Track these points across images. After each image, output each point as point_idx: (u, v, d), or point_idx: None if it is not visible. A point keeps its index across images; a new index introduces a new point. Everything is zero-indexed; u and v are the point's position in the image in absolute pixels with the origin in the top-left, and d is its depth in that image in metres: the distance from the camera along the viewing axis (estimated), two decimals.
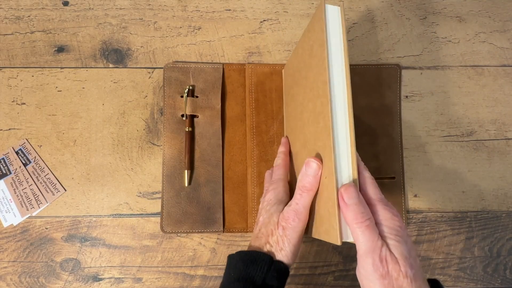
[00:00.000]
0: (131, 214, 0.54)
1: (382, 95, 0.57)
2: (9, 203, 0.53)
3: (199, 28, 0.58)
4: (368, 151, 0.55)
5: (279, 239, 0.39)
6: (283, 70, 0.56)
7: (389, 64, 0.57)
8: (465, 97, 0.58)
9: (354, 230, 0.33)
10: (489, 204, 0.56)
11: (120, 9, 0.58)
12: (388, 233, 0.33)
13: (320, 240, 0.54)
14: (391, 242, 0.33)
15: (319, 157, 0.37)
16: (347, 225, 0.34)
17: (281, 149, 0.50)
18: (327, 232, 0.35)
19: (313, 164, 0.37)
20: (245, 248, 0.43)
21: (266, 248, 0.40)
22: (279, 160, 0.48)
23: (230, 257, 0.42)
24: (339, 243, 0.33)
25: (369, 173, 0.37)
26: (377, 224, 0.34)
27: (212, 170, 0.54)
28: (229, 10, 0.58)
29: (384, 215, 0.34)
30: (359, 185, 0.35)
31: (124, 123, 0.55)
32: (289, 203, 0.40)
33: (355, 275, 0.54)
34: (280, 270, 0.38)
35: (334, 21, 0.37)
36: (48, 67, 0.56)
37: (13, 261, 0.52)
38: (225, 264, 0.54)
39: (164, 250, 0.54)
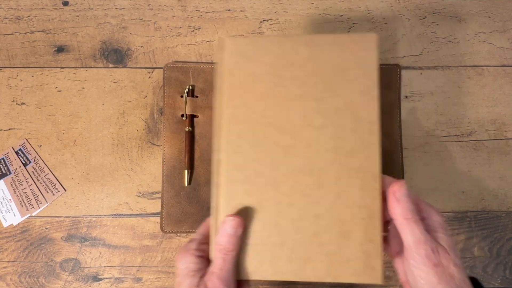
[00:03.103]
0: (131, 214, 0.54)
1: (382, 95, 0.56)
2: (9, 203, 0.53)
3: (199, 28, 0.58)
4: None
5: None
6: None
7: (389, 64, 0.57)
8: (465, 97, 0.58)
9: (402, 225, 0.35)
10: (489, 204, 0.56)
11: (120, 9, 0.58)
12: (436, 227, 0.36)
13: None
14: (439, 235, 0.36)
15: (237, 214, 0.35)
16: (393, 219, 0.36)
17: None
18: (356, 273, 0.36)
19: (233, 222, 0.34)
20: None
21: None
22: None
23: None
24: (380, 283, 0.35)
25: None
26: (424, 219, 0.37)
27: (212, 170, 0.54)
28: (229, 10, 0.58)
29: (429, 211, 0.37)
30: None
31: (124, 123, 0.55)
32: (210, 270, 0.35)
33: None
34: None
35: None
36: (48, 67, 0.56)
37: (13, 261, 0.52)
38: None
39: (164, 250, 0.54)
